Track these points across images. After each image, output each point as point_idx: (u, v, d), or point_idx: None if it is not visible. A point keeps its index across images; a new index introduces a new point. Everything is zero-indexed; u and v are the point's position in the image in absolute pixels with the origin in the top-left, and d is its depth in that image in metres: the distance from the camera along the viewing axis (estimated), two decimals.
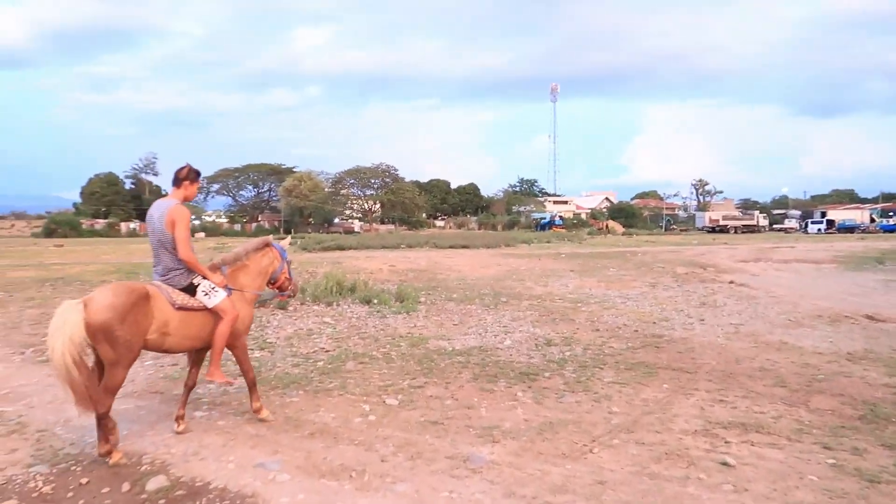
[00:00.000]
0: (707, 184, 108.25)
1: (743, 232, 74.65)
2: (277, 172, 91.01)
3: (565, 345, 9.14)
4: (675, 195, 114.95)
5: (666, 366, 7.92)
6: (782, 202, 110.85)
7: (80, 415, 4.79)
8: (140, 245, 40.88)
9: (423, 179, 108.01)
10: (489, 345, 9.13)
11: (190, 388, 5.50)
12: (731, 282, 16.89)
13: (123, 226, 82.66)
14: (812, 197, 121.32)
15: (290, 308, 12.26)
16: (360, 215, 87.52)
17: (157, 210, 5.11)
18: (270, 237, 6.03)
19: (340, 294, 13.60)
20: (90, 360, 4.66)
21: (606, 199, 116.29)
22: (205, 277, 5.16)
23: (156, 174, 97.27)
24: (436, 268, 20.87)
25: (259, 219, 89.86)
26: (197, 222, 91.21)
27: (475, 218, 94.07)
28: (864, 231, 71.11)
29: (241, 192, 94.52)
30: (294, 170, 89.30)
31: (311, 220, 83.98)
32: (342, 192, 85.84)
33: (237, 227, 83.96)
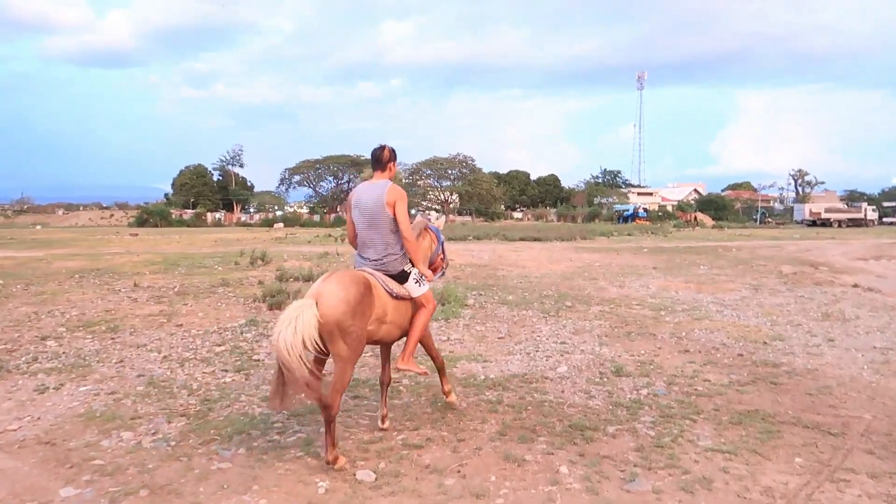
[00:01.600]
0: (807, 174, 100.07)
1: (848, 226, 67.90)
2: (357, 164, 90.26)
3: (642, 375, 6.61)
4: (770, 186, 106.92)
5: (793, 419, 5.28)
6: (892, 194, 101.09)
7: (275, 408, 4.49)
8: (215, 235, 40.47)
9: (503, 170, 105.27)
10: (536, 372, 6.71)
11: (387, 384, 5.22)
12: (856, 285, 13.64)
13: (210, 216, 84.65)
14: None
15: None
16: (437, 206, 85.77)
17: (369, 192, 4.80)
18: (425, 219, 5.63)
19: None
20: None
21: (695, 190, 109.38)
22: (415, 264, 4.91)
23: (241, 166, 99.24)
24: (498, 262, 18.45)
25: (338, 210, 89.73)
26: (279, 213, 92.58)
27: (554, 210, 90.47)
28: None
29: (321, 184, 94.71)
30: None
31: None
32: (419, 182, 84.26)
33: (316, 217, 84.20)
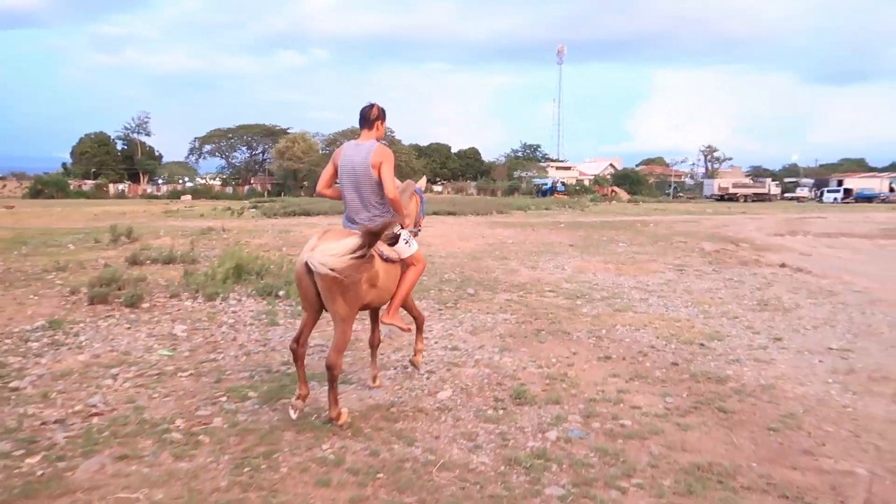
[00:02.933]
0: (716, 150, 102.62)
1: (754, 200, 69.72)
2: (272, 134, 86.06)
3: (551, 401, 4.81)
4: (682, 162, 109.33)
5: (761, 480, 3.58)
6: (792, 170, 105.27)
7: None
8: (106, 207, 36.52)
9: (425, 143, 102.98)
10: (408, 400, 4.80)
11: (376, 346, 5.19)
12: (783, 265, 12.46)
13: (112, 187, 78.82)
14: (821, 166, 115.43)
15: (145, 304, 7.99)
16: None
17: (355, 152, 4.55)
18: (414, 182, 5.26)
19: (239, 280, 9.35)
20: None
21: (611, 165, 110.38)
22: (403, 226, 4.75)
23: (148, 134, 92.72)
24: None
25: (252, 182, 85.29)
26: (190, 185, 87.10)
27: (474, 183, 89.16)
28: (883, 200, 66.21)
29: (234, 154, 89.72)
30: (288, 131, 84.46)
31: (305, 183, 79.42)
32: None
33: (229, 189, 79.66)
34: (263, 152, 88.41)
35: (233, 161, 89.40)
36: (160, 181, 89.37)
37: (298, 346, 4.31)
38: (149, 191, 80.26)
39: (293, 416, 4.29)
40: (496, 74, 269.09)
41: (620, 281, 10.54)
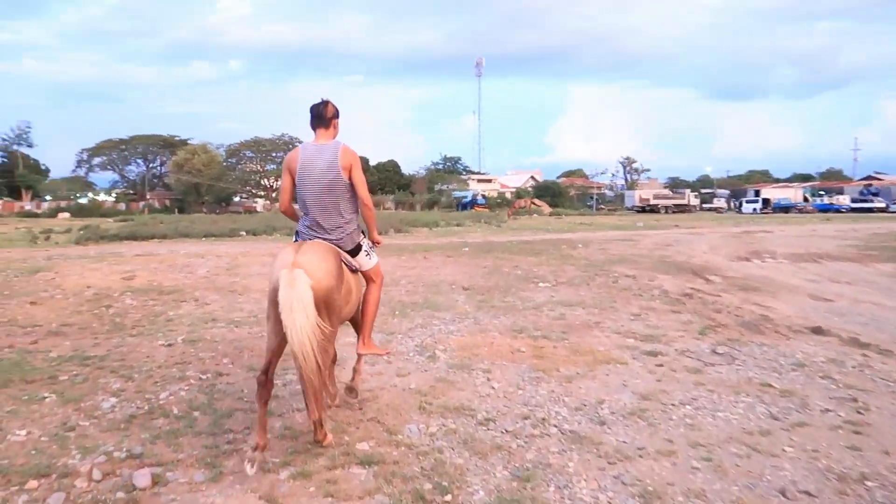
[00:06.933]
0: (635, 162, 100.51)
1: (674, 212, 66.64)
2: (170, 145, 77.31)
3: None
4: (602, 174, 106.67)
5: None
6: (706, 181, 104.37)
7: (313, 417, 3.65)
8: None
9: None
10: None
11: (334, 361, 4.46)
12: (819, 330, 6.92)
13: None
14: (731, 177, 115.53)
15: None
16: (261, 193, 74.97)
17: (317, 155, 3.99)
18: None
19: None
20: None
21: (532, 177, 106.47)
22: (370, 232, 4.39)
23: (30, 146, 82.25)
24: (215, 281, 10.28)
25: (148, 197, 76.20)
26: (83, 200, 77.14)
27: (392, 197, 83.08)
28: (799, 210, 64.34)
29: (128, 168, 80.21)
30: (189, 142, 76.03)
31: (206, 198, 71.18)
32: (239, 166, 73.06)
33: (122, 206, 70.49)
34: (161, 164, 79.41)
35: (127, 175, 79.82)
36: (48, 197, 79.06)
37: (267, 380, 3.58)
38: (27, 207, 70.15)
39: (250, 472, 3.38)
40: (414, 87, 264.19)
41: (537, 397, 4.71)
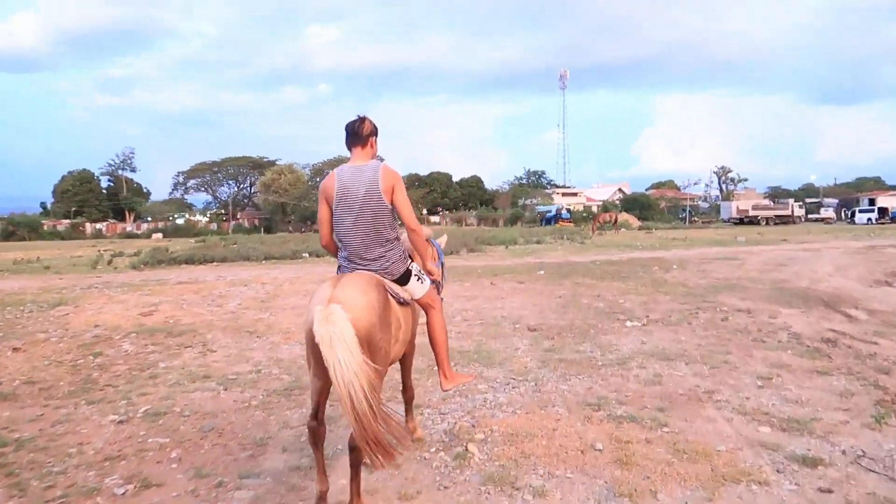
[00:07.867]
0: (730, 171, 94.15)
1: (776, 224, 61.12)
2: (259, 166, 79.32)
3: None
4: (695, 184, 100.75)
5: None
6: (810, 190, 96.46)
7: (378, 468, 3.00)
8: (49, 251, 29.06)
9: (426, 173, 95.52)
10: None
11: (411, 400, 4.39)
12: None
13: (89, 226, 72.61)
14: (840, 185, 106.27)
15: None
16: None
17: (355, 177, 3.58)
18: (429, 231, 4.30)
19: None
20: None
21: (619, 190, 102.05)
22: (421, 259, 3.91)
23: (133, 170, 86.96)
24: (239, 318, 8.81)
25: (238, 217, 78.30)
26: (180, 221, 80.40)
27: (475, 212, 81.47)
28: None
29: (220, 188, 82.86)
30: (276, 163, 77.70)
31: (292, 217, 72.22)
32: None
33: (214, 226, 72.70)
34: (251, 185, 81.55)
35: (220, 196, 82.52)
36: (149, 218, 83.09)
37: (318, 424, 3.18)
38: (128, 229, 73.73)
39: None
40: (497, 103, 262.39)
41: None
